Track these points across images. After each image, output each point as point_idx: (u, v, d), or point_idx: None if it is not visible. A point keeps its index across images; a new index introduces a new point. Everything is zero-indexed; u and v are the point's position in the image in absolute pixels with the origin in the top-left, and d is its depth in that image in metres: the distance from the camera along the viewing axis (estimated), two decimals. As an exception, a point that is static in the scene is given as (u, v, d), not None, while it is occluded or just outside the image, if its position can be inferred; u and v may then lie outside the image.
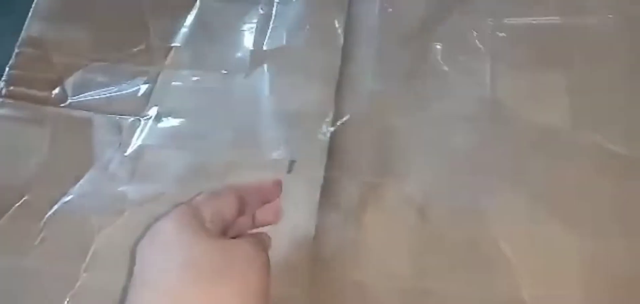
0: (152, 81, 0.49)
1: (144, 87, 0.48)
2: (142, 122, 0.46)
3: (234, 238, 0.34)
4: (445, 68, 0.46)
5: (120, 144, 0.45)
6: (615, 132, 0.41)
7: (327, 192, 0.41)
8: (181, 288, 0.26)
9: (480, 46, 0.46)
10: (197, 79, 0.48)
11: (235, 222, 0.34)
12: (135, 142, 0.45)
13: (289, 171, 0.42)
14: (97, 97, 0.48)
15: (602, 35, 0.45)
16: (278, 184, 0.40)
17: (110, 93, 0.48)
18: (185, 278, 0.26)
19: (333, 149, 0.43)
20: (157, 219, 0.29)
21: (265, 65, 0.48)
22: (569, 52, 0.45)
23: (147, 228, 0.28)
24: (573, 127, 0.42)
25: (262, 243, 0.33)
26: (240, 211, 0.34)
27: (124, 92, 0.48)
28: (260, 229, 0.38)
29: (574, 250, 0.37)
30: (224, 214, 0.32)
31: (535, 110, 0.43)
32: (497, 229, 0.39)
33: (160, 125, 0.46)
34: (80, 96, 0.48)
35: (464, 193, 0.41)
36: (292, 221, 0.40)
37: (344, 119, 0.44)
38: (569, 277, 0.37)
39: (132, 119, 0.47)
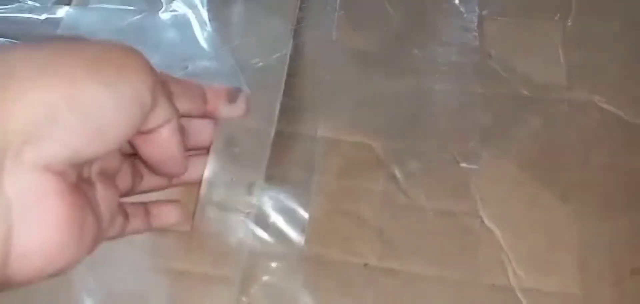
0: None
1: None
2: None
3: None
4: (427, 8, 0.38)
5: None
6: (617, 94, 0.35)
7: (277, 147, 0.33)
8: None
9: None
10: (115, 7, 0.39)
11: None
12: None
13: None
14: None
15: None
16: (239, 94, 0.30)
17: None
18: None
19: (285, 97, 0.35)
20: None
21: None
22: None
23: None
24: (569, 85, 0.36)
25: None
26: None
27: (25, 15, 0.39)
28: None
29: (572, 229, 0.31)
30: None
31: (525, 63, 0.37)
32: (481, 202, 0.32)
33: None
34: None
35: (443, 157, 0.34)
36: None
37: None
38: (566, 263, 0.30)
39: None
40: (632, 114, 0.35)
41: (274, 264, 0.31)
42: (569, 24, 0.38)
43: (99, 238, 0.21)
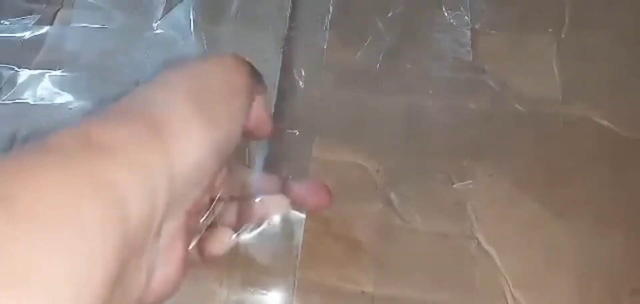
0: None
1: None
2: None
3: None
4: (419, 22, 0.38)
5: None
6: (613, 109, 0.35)
7: (269, 168, 0.33)
8: None
9: (460, 5, 0.39)
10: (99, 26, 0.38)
11: None
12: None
13: None
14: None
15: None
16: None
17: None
18: None
19: (275, 115, 0.34)
20: None
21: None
22: (560, 12, 0.38)
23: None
24: (564, 100, 0.35)
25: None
26: None
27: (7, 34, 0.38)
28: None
29: (569, 249, 0.31)
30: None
31: (519, 78, 0.36)
32: (477, 222, 0.31)
33: (52, 78, 0.36)
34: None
35: (437, 177, 0.33)
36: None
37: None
38: (564, 284, 0.30)
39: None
40: (628, 129, 0.34)
41: (266, 292, 0.30)
42: (563, 37, 0.37)
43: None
